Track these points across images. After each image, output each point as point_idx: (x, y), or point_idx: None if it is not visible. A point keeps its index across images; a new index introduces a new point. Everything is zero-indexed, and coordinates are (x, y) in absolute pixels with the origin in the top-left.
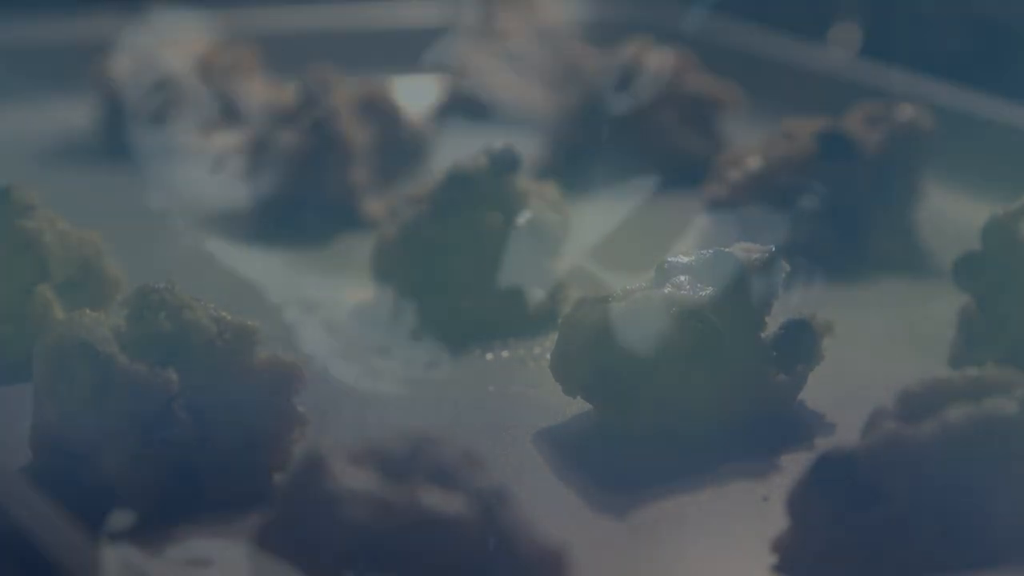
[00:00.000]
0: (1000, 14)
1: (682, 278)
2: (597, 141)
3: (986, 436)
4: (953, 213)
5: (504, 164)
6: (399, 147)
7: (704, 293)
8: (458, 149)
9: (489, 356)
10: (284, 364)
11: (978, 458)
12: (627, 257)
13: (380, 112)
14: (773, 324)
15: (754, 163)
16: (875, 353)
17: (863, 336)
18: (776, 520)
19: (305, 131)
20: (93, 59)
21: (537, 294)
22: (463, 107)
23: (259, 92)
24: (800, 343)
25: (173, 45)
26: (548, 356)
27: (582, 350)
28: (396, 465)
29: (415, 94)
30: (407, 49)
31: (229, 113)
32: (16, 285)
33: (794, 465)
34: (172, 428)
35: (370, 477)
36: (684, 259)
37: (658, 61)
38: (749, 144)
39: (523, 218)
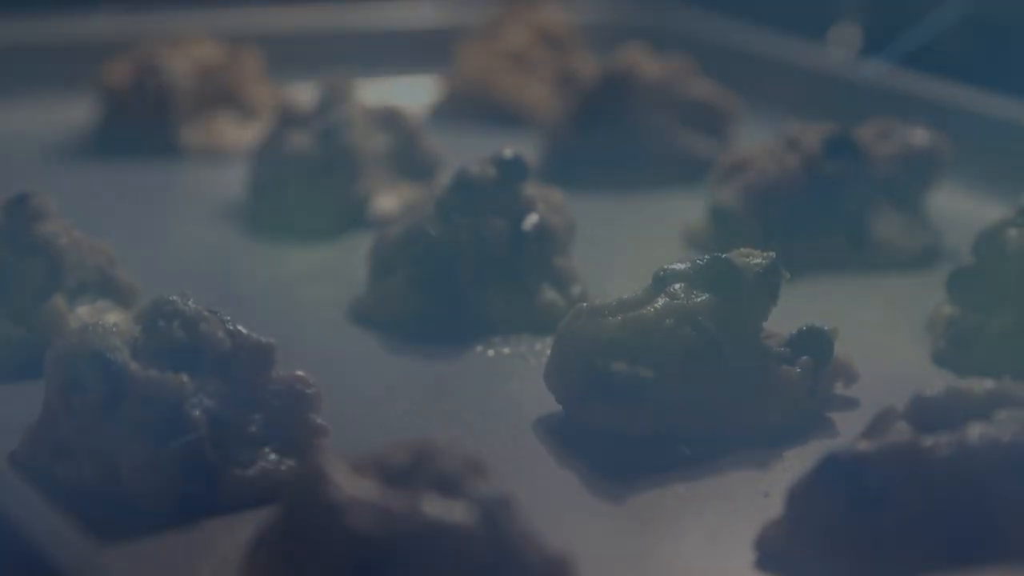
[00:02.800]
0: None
1: (678, 286)
2: (595, 144)
3: (1005, 460)
4: (958, 212)
5: (512, 172)
6: (413, 162)
7: (700, 300)
8: (469, 156)
9: (491, 353)
10: (301, 382)
11: (994, 481)
12: (625, 259)
13: (397, 128)
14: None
15: (756, 170)
16: (879, 351)
17: (868, 334)
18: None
19: (316, 138)
20: (94, 59)
21: (541, 295)
22: (461, 107)
23: (262, 93)
24: (814, 349)
25: (175, 47)
26: (548, 355)
27: (576, 362)
28: (399, 474)
29: (414, 94)
30: (406, 49)
31: (234, 113)
32: (29, 289)
33: (796, 461)
34: (186, 434)
35: (373, 486)
36: (681, 266)
37: (654, 68)
38: (749, 147)
39: (528, 222)
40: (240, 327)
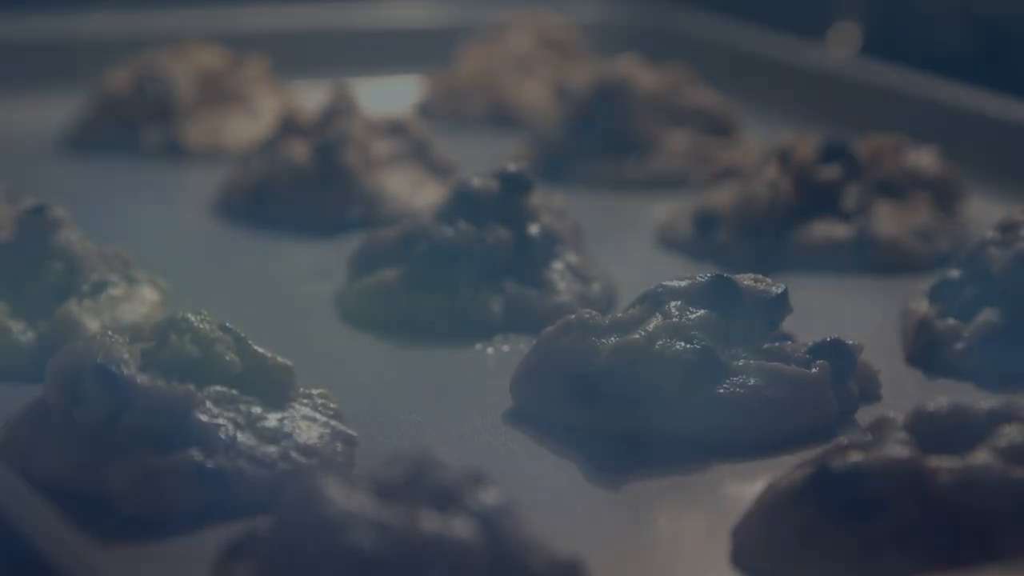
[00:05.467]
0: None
1: (674, 304)
2: (589, 148)
3: (1008, 493)
4: (986, 217)
5: (515, 186)
6: (427, 167)
7: (696, 316)
8: (475, 159)
9: (490, 351)
10: (323, 397)
11: (995, 508)
12: (616, 261)
13: (405, 137)
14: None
15: (745, 187)
16: (881, 351)
17: (844, 331)
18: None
19: (313, 151)
20: (94, 58)
21: (548, 298)
22: (457, 107)
23: (267, 96)
24: (836, 361)
25: (177, 52)
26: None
27: (561, 379)
28: (396, 488)
29: (406, 93)
30: (399, 49)
31: (239, 115)
32: (47, 297)
33: (795, 461)
34: (193, 443)
35: (369, 501)
36: (680, 284)
37: (649, 78)
38: (739, 152)
39: (532, 228)
40: (257, 347)
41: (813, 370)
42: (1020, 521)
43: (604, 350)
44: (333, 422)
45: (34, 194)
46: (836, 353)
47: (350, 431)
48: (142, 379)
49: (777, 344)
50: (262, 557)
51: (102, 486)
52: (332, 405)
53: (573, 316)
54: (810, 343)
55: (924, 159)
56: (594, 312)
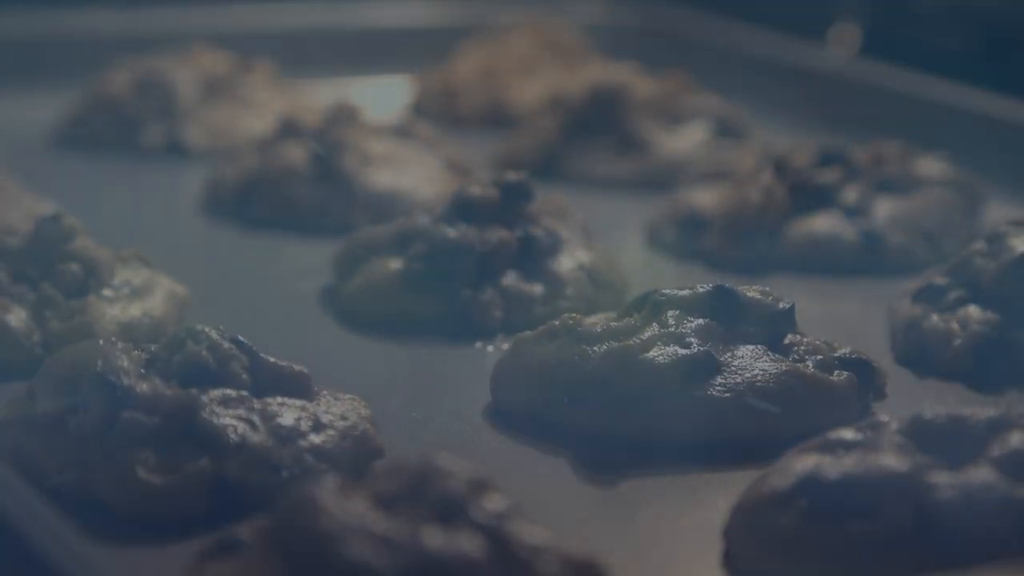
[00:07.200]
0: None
1: (672, 313)
2: (586, 151)
3: (1010, 516)
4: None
5: (515, 195)
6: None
7: (692, 325)
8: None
9: (490, 349)
10: (352, 401)
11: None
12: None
13: (412, 142)
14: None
15: (737, 196)
16: (873, 350)
17: (835, 329)
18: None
19: (310, 156)
20: (95, 56)
21: (553, 302)
22: (445, 107)
23: (273, 99)
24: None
25: (180, 57)
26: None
27: (549, 385)
28: (398, 498)
29: (405, 93)
30: (402, 49)
31: (243, 117)
32: (60, 298)
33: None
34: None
35: (370, 512)
36: (681, 292)
37: (646, 86)
38: (731, 156)
39: (534, 231)
40: (272, 358)
41: (836, 376)
42: (1019, 531)
43: (595, 356)
44: (363, 426)
45: (34, 191)
46: (862, 370)
47: (376, 438)
48: (142, 387)
49: (787, 342)
50: (244, 560)
51: (99, 491)
52: (363, 411)
53: (557, 322)
54: (836, 351)
55: (929, 162)
56: (578, 316)
